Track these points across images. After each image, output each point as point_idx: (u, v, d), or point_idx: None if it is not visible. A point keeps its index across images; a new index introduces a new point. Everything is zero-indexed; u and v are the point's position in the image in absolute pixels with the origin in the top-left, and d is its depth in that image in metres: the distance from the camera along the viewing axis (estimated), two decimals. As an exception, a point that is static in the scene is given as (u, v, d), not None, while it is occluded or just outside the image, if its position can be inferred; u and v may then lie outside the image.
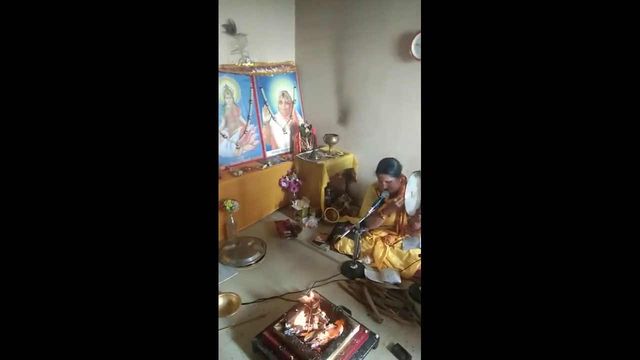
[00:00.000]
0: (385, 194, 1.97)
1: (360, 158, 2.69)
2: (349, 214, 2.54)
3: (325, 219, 2.48)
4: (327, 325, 1.40)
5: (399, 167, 1.98)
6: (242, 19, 2.30)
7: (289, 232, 2.30)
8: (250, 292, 1.76)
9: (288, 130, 2.82)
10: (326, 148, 2.72)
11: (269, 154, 2.70)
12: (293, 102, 2.84)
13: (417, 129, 2.21)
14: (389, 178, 1.95)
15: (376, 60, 2.32)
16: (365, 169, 2.61)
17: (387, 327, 1.54)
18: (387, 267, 1.95)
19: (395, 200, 1.96)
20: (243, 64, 2.43)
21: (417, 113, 2.20)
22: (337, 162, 2.59)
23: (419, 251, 1.90)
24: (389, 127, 2.41)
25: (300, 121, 2.85)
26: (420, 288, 1.75)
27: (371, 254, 2.03)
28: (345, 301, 1.69)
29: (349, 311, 1.57)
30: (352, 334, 1.35)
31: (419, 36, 2.04)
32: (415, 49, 2.08)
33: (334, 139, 2.62)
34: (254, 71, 2.50)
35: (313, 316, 1.43)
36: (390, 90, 2.32)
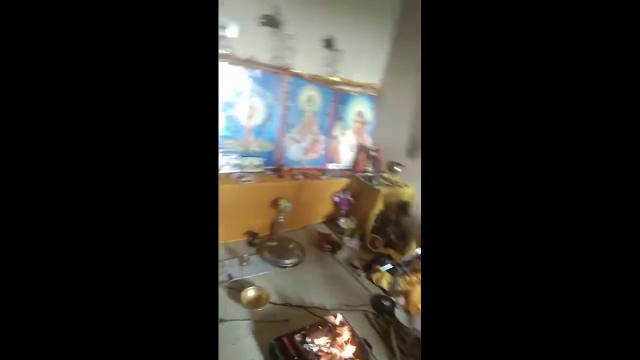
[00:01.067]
0: None
1: (419, 194, 2.61)
2: (392, 247, 2.47)
3: (368, 245, 2.44)
4: (346, 354, 1.37)
5: None
6: (340, 35, 2.41)
7: (330, 246, 2.31)
8: (279, 293, 1.79)
9: (354, 149, 2.85)
10: (387, 175, 2.69)
11: (330, 166, 2.76)
12: (366, 123, 2.87)
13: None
14: None
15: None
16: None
17: (406, 378, 1.45)
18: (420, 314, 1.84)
19: None
20: (330, 78, 2.53)
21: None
22: (394, 192, 2.54)
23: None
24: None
25: (368, 143, 2.87)
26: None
27: (406, 295, 1.94)
28: (369, 335, 1.63)
29: (370, 346, 1.51)
30: (369, 372, 1.30)
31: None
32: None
33: (397, 168, 2.59)
34: (338, 86, 2.59)
35: (335, 340, 1.40)
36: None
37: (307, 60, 2.33)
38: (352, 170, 2.83)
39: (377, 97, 2.87)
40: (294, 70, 2.28)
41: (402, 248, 2.30)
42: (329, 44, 2.40)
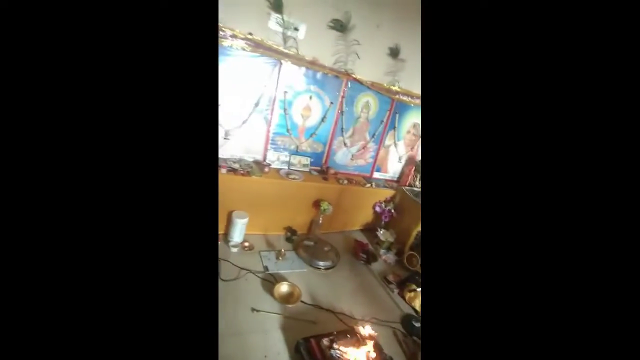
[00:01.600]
0: None
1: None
2: (430, 268, 2.37)
3: (405, 261, 2.37)
4: (372, 368, 1.34)
5: None
6: (405, 45, 2.37)
7: (365, 256, 2.28)
8: (311, 293, 1.80)
9: (404, 161, 2.79)
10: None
11: (376, 175, 2.72)
12: (420, 137, 2.79)
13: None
14: None
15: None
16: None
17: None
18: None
19: None
20: (391, 87, 2.50)
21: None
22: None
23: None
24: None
25: (420, 157, 2.78)
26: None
27: (439, 321, 1.84)
28: (395, 354, 1.58)
29: (395, 366, 1.47)
30: (392, 393, 1.25)
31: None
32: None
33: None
34: (397, 96, 2.55)
35: (361, 350, 1.38)
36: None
37: (369, 67, 2.33)
38: (398, 182, 2.76)
39: (435, 111, 2.78)
40: (355, 76, 2.29)
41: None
42: (394, 52, 2.37)
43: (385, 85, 2.48)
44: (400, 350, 1.63)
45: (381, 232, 2.47)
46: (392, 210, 2.53)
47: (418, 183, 2.69)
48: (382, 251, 2.42)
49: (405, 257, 2.38)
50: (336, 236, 2.49)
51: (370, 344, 1.40)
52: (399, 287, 2.07)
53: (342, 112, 2.37)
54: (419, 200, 2.43)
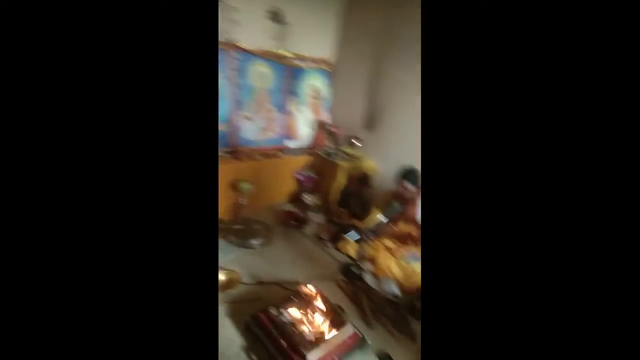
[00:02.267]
0: (397, 207, 1.97)
1: (379, 166, 2.70)
2: (358, 218, 2.55)
3: (334, 218, 2.49)
4: (322, 320, 1.41)
5: (418, 175, 2.00)
6: (288, 8, 2.33)
7: (296, 222, 2.32)
8: (250, 273, 1.78)
9: (312, 125, 2.84)
10: (347, 149, 2.73)
11: (289, 144, 2.72)
12: (322, 99, 2.86)
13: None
14: (409, 185, 1.96)
15: (406, 66, 2.32)
16: (382, 177, 2.61)
17: (378, 335, 1.54)
18: (388, 277, 1.95)
19: (406, 211, 1.97)
20: (280, 52, 2.45)
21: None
22: (355, 166, 2.60)
23: (419, 267, 1.90)
24: (413, 141, 2.40)
25: (326, 119, 2.87)
26: (416, 302, 1.74)
27: (374, 261, 2.03)
28: (341, 301, 1.70)
29: (343, 310, 1.58)
30: (344, 334, 1.35)
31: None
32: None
33: (356, 142, 2.63)
34: (290, 61, 2.53)
35: (310, 309, 1.44)
36: (413, 100, 2.32)
37: (252, 34, 2.23)
38: (312, 148, 2.82)
39: (331, 71, 2.86)
40: (241, 46, 2.17)
41: (366, 217, 2.38)
42: (275, 16, 2.30)
43: (274, 51, 2.42)
44: (344, 297, 1.75)
45: (307, 197, 2.53)
46: (313, 175, 2.59)
47: (330, 144, 2.80)
48: (311, 214, 2.50)
49: (333, 214, 2.50)
50: (265, 212, 2.46)
51: (319, 300, 1.47)
52: (332, 241, 2.19)
53: (237, 86, 2.25)
54: (334, 159, 2.54)
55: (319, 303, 1.47)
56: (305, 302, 1.46)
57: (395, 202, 2.00)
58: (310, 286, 1.56)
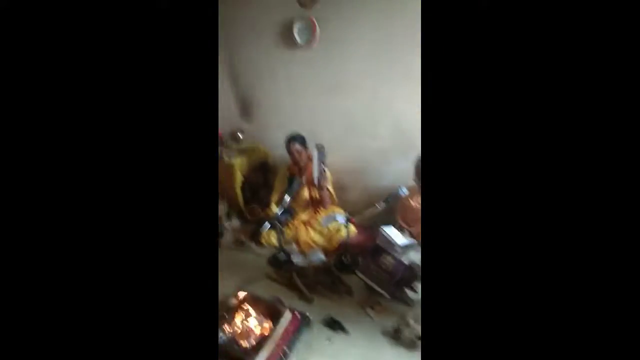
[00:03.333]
0: (298, 180, 2.02)
1: (271, 148, 2.69)
2: (269, 207, 2.55)
3: (249, 217, 2.44)
4: (256, 322, 1.41)
5: (304, 137, 2.11)
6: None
7: (212, 239, 2.21)
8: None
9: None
10: (234, 145, 2.64)
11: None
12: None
13: (317, 116, 2.31)
14: (298, 146, 2.06)
15: (263, 50, 2.31)
16: (279, 158, 2.62)
17: (319, 305, 1.62)
18: (312, 247, 2.03)
19: (302, 178, 2.06)
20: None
21: (314, 102, 2.29)
22: (249, 157, 2.54)
23: (337, 224, 2.01)
24: (292, 117, 2.44)
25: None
26: (343, 257, 1.87)
27: (296, 239, 2.08)
28: (278, 292, 1.71)
29: (280, 301, 1.60)
30: (283, 324, 1.38)
31: (300, 23, 2.08)
32: (298, 35, 2.11)
33: (240, 135, 2.56)
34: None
35: (245, 317, 1.42)
36: (284, 79, 2.34)
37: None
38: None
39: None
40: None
41: (278, 202, 2.40)
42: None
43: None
44: (280, 286, 1.77)
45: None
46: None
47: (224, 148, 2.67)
48: (225, 224, 2.40)
49: (246, 213, 2.45)
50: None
51: (249, 306, 1.46)
52: (252, 240, 2.16)
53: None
54: (224, 161, 2.44)
55: (250, 307, 1.46)
56: (238, 312, 1.43)
57: (295, 178, 2.04)
58: (239, 294, 1.53)
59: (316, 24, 2.05)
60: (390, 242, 1.82)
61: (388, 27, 1.94)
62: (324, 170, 1.99)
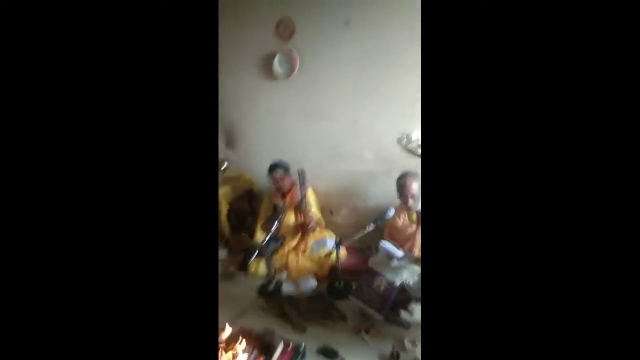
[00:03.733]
0: (283, 207, 2.01)
1: (256, 176, 2.68)
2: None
3: (234, 247, 2.38)
4: (246, 357, 1.34)
5: (287, 164, 2.12)
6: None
7: (198, 272, 2.13)
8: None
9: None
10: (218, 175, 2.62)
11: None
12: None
13: (301, 143, 2.34)
14: (280, 173, 2.08)
15: (246, 82, 2.37)
16: (264, 186, 2.61)
17: (313, 333, 1.56)
18: (303, 275, 1.98)
19: (286, 204, 2.05)
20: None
21: (298, 130, 2.33)
22: (233, 187, 2.52)
23: (327, 249, 1.99)
24: (277, 145, 2.47)
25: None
26: (336, 283, 1.82)
27: (287, 266, 2.03)
28: (269, 323, 1.64)
29: (271, 331, 1.53)
30: (277, 355, 1.32)
31: (280, 55, 2.17)
32: (279, 66, 2.20)
33: (224, 164, 2.56)
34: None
35: (233, 353, 1.34)
36: (267, 108, 2.40)
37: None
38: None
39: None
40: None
41: (263, 230, 2.35)
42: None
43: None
44: (271, 317, 1.70)
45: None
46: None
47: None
48: (212, 255, 2.33)
49: (232, 244, 2.39)
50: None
51: (238, 340, 1.38)
52: (242, 269, 2.10)
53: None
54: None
55: (240, 343, 1.39)
56: (227, 349, 1.36)
57: (279, 205, 2.03)
58: (227, 329, 1.46)
59: (296, 55, 2.14)
60: (390, 254, 1.79)
61: (367, 51, 2.05)
62: (304, 195, 1.99)
